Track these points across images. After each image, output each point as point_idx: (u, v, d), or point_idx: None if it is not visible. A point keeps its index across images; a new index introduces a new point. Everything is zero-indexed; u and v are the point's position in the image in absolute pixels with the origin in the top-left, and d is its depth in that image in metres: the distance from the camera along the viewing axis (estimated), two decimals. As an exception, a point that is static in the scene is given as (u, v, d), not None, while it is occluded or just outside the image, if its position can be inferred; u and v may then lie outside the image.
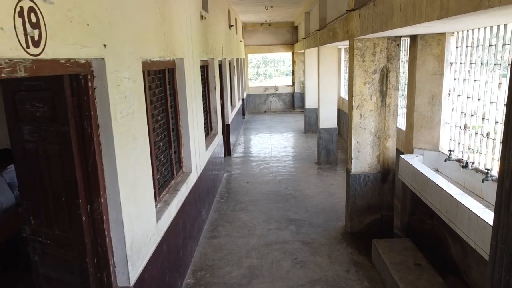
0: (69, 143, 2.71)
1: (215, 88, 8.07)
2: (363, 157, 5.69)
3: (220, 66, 9.95)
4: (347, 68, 12.29)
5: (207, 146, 6.95)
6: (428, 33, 4.99)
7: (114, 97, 2.86)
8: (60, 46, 2.21)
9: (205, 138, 7.23)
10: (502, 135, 1.87)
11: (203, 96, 7.19)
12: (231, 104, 11.91)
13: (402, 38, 6.48)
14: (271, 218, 6.68)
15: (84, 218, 2.82)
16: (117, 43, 2.96)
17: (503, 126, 1.87)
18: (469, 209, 3.60)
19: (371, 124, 5.60)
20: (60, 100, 2.67)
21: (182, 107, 5.25)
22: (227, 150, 10.62)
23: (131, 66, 3.22)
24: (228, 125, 10.54)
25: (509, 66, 1.88)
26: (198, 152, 5.97)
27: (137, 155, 3.30)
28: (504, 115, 1.87)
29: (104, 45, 2.73)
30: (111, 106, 2.81)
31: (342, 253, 5.43)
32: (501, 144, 1.90)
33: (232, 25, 11.85)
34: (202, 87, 7.16)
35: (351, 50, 5.62)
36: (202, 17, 6.71)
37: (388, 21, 3.86)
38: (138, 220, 3.29)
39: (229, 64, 11.67)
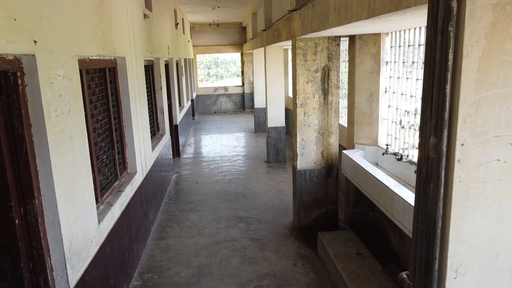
0: (-2, 144, 2.59)
1: (161, 88, 7.96)
2: (308, 154, 5.86)
3: (167, 66, 9.83)
4: (294, 68, 12.58)
5: (153, 147, 6.85)
6: (365, 33, 5.24)
7: (47, 95, 2.77)
8: (-17, 41, 2.11)
9: (152, 139, 7.12)
10: (419, 127, 2.03)
11: (148, 96, 7.09)
12: (179, 105, 11.79)
13: (342, 39, 6.75)
14: (220, 217, 6.70)
15: (17, 221, 2.70)
16: (50, 39, 2.86)
17: (420, 120, 2.03)
18: (403, 198, 3.83)
19: (314, 121, 5.78)
20: (-13, 99, 2.54)
21: (125, 107, 5.15)
22: (176, 151, 10.50)
23: (66, 64, 3.13)
24: (176, 125, 10.43)
25: (423, 64, 2.06)
26: (144, 152, 5.87)
27: (75, 155, 3.21)
28: (421, 108, 2.02)
29: (35, 41, 2.63)
30: (44, 104, 2.71)
31: (290, 247, 5.56)
32: (419, 135, 2.06)
33: (178, 23, 11.73)
34: (148, 87, 7.05)
35: (293, 50, 5.77)
36: (145, 15, 6.61)
37: (325, 21, 4.02)
38: (78, 222, 3.19)
39: (176, 64, 11.55)
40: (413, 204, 3.71)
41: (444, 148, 1.88)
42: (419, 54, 4.50)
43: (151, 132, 7.14)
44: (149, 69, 7.47)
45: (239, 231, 6.13)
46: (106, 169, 4.50)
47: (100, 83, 4.46)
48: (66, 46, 3.17)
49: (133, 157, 5.33)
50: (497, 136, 1.86)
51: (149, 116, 7.08)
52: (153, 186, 6.53)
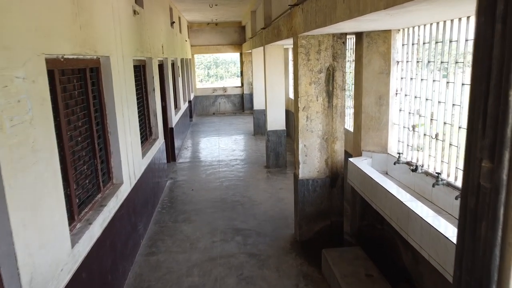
0: None
1: (154, 89, 7.47)
2: (311, 162, 5.38)
3: (161, 66, 9.34)
4: (295, 68, 12.11)
5: (144, 153, 6.36)
6: (374, 29, 4.76)
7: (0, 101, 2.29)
8: None
9: (143, 144, 6.64)
10: (464, 146, 1.53)
11: (139, 98, 6.60)
12: (175, 107, 11.30)
13: (348, 37, 6.26)
14: (216, 228, 6.21)
15: (-40, 255, 2.21)
16: (3, 34, 2.38)
17: (465, 136, 1.53)
18: (421, 217, 3.35)
19: (318, 126, 5.30)
20: None
21: (110, 111, 4.66)
22: (171, 156, 10.01)
23: (28, 63, 2.64)
24: (171, 128, 9.94)
25: (471, 67, 1.55)
26: (132, 160, 5.39)
27: (40, 171, 2.72)
28: (467, 121, 1.53)
29: (-19, 36, 2.15)
30: (-5, 112, 2.23)
31: (291, 264, 5.08)
32: (464, 155, 1.56)
33: (174, 22, 11.24)
34: (138, 89, 6.57)
35: (295, 48, 5.29)
36: (135, 12, 6.12)
37: (332, 14, 3.54)
38: (43, 250, 2.71)
39: (172, 64, 11.06)
40: (433, 224, 3.23)
41: (505, 177, 1.39)
42: (436, 53, 4.01)
43: (142, 137, 6.66)
44: (140, 70, 6.99)
45: (236, 245, 5.64)
46: (86, 181, 4.02)
47: (79, 85, 3.98)
48: (28, 42, 2.68)
49: (119, 166, 4.85)
50: None
51: (140, 120, 6.61)
52: (143, 195, 6.04)
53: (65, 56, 3.44)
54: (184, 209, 7.08)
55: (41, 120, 2.79)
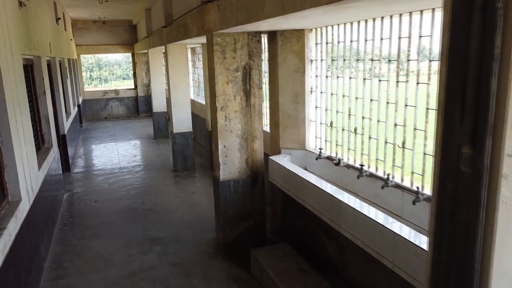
0: None
1: (44, 92, 6.63)
2: (231, 162, 5.28)
3: (49, 66, 8.35)
4: (195, 68, 11.88)
5: (40, 164, 5.60)
6: (288, 29, 4.86)
7: None
8: None
9: (37, 154, 5.83)
10: (439, 133, 1.60)
11: (29, 102, 5.79)
12: (66, 111, 10.23)
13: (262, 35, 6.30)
14: (130, 241, 5.74)
15: None
16: None
17: (440, 124, 1.60)
18: (354, 208, 3.48)
19: (237, 126, 5.22)
20: None
21: (2, 117, 3.98)
22: (65, 165, 9.03)
23: None
24: (64, 135, 8.96)
25: (438, 67, 1.62)
26: (29, 172, 4.68)
27: None
28: (444, 109, 1.59)
29: None
30: None
31: (219, 269, 4.92)
32: (439, 142, 1.62)
33: (60, 18, 10.17)
34: (28, 91, 5.75)
35: (210, 46, 5.14)
36: (21, 3, 5.34)
37: (259, 10, 3.49)
38: None
39: (60, 64, 10.00)
40: (367, 214, 3.38)
41: (488, 161, 1.47)
42: (351, 51, 4.23)
43: (35, 145, 5.85)
44: (29, 70, 6.14)
45: (156, 256, 5.28)
46: (-22, 202, 3.35)
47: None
48: None
49: (16, 180, 4.17)
50: (541, 142, 1.51)
51: (32, 127, 5.79)
52: (43, 212, 5.31)
53: None
54: (90, 223, 6.42)
55: None
